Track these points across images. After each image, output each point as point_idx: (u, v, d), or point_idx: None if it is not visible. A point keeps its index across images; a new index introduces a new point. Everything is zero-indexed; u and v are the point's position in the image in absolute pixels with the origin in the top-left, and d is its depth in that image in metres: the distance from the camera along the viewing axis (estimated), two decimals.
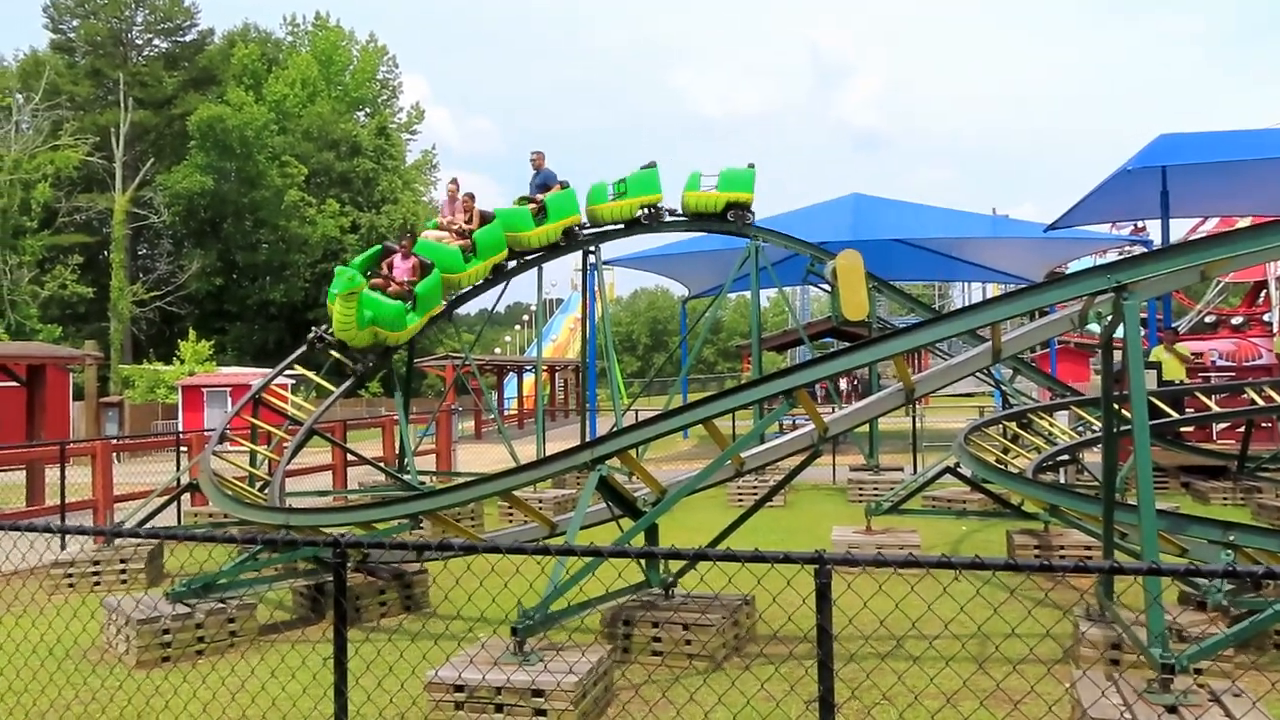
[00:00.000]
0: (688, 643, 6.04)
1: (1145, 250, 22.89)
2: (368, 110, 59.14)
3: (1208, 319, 34.92)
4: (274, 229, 50.14)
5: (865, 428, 14.30)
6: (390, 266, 12.24)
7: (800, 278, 18.00)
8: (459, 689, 4.95)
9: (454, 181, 13.90)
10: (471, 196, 13.37)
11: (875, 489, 12.98)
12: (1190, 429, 13.18)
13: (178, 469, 11.52)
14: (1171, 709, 4.34)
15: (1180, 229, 24.47)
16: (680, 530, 9.68)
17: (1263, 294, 34.68)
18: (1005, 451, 10.24)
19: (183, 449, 11.98)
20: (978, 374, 12.33)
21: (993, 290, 40.65)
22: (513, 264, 14.17)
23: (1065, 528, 8.15)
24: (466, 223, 13.22)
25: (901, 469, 14.21)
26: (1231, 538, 6.04)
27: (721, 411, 6.02)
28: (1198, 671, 5.06)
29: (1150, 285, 5.29)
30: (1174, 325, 23.81)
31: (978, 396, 33.81)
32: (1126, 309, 5.11)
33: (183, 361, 37.34)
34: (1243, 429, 12.49)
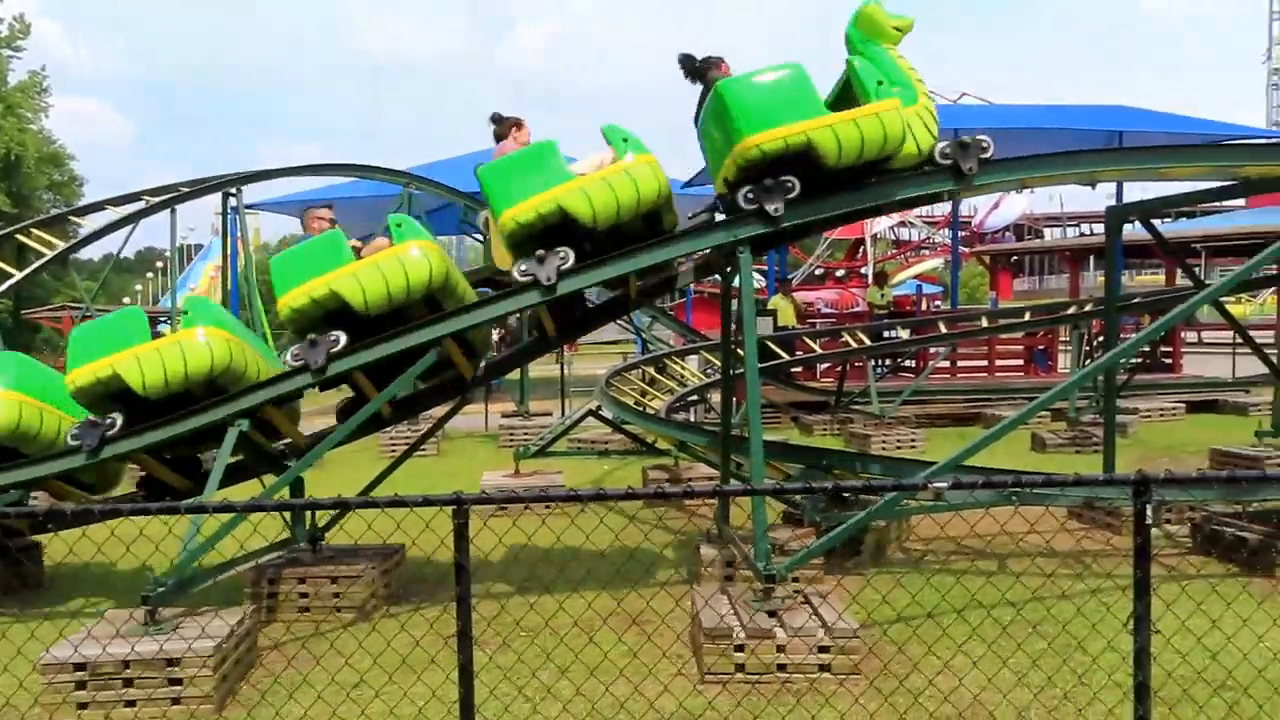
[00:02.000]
0: (336, 596, 5.99)
1: None
2: None
3: (817, 271, 39.53)
4: None
5: (516, 374, 14.67)
6: None
7: (455, 227, 17.93)
8: (80, 668, 4.55)
9: None
10: None
11: (526, 434, 13.40)
12: (799, 369, 14.95)
13: None
14: (772, 614, 5.02)
15: None
16: (330, 485, 9.43)
17: (861, 250, 39.90)
18: (643, 394, 11.02)
19: None
20: (619, 322, 13.12)
21: None
22: (139, 205, 12.80)
23: (694, 461, 8.98)
24: None
25: (551, 414, 14.77)
26: (825, 462, 7.04)
27: (371, 360, 5.92)
28: (797, 579, 5.87)
29: (763, 240, 5.92)
30: (790, 276, 26.66)
31: (623, 343, 35.75)
32: (742, 261, 5.68)
33: None
34: (840, 368, 14.40)
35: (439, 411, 7.49)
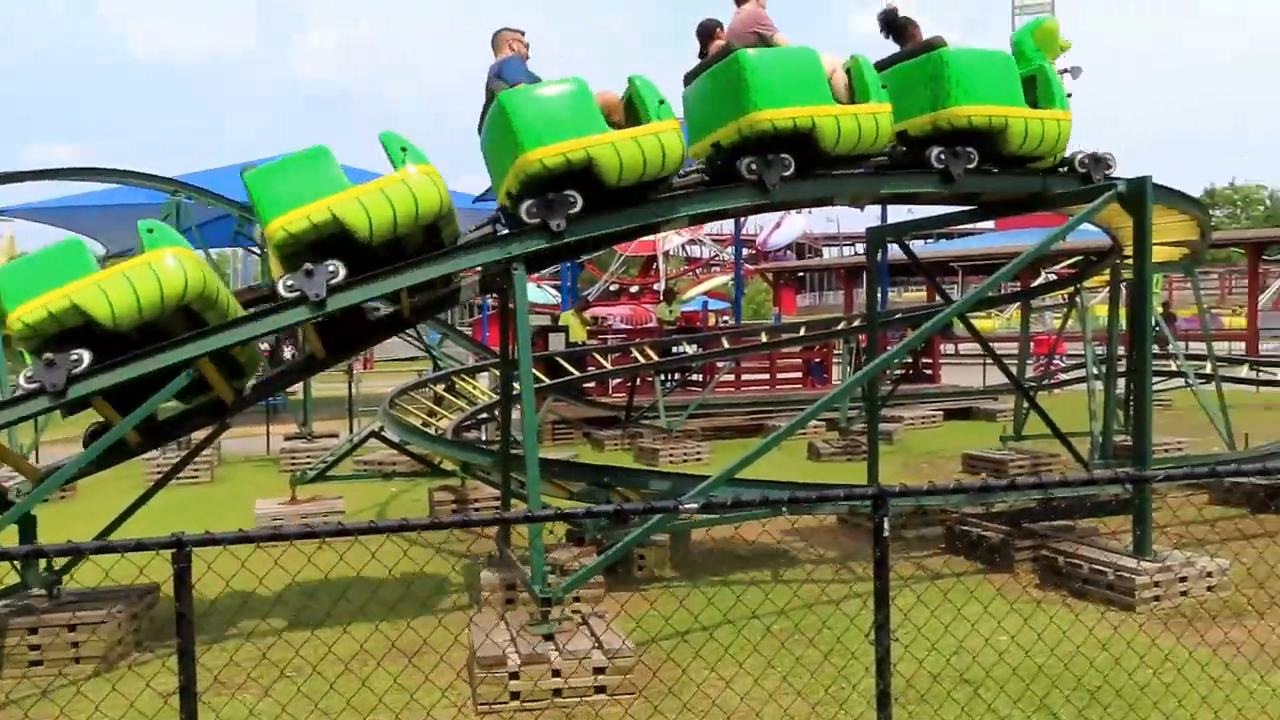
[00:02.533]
0: (75, 645, 5.42)
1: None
2: None
3: (612, 287, 40.08)
4: None
5: (300, 393, 13.96)
6: None
7: (231, 239, 16.87)
8: None
9: None
10: None
11: (309, 457, 12.75)
12: (591, 385, 15.05)
13: None
14: (549, 637, 4.96)
15: None
16: (80, 516, 8.61)
17: (654, 266, 40.81)
18: (431, 414, 10.74)
19: None
20: (403, 337, 12.74)
21: None
22: None
23: (481, 482, 8.80)
24: None
25: (337, 435, 14.15)
26: (606, 480, 7.06)
27: (114, 383, 5.39)
28: (577, 599, 5.85)
29: (538, 258, 5.89)
30: (586, 293, 26.91)
31: (419, 360, 34.87)
32: (516, 279, 5.60)
33: None
34: (630, 384, 14.61)
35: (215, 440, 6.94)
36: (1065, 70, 47.57)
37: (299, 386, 13.47)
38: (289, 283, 5.34)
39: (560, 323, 16.18)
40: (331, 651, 4.80)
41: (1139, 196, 6.23)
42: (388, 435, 9.24)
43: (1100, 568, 6.05)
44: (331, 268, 5.35)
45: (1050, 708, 4.24)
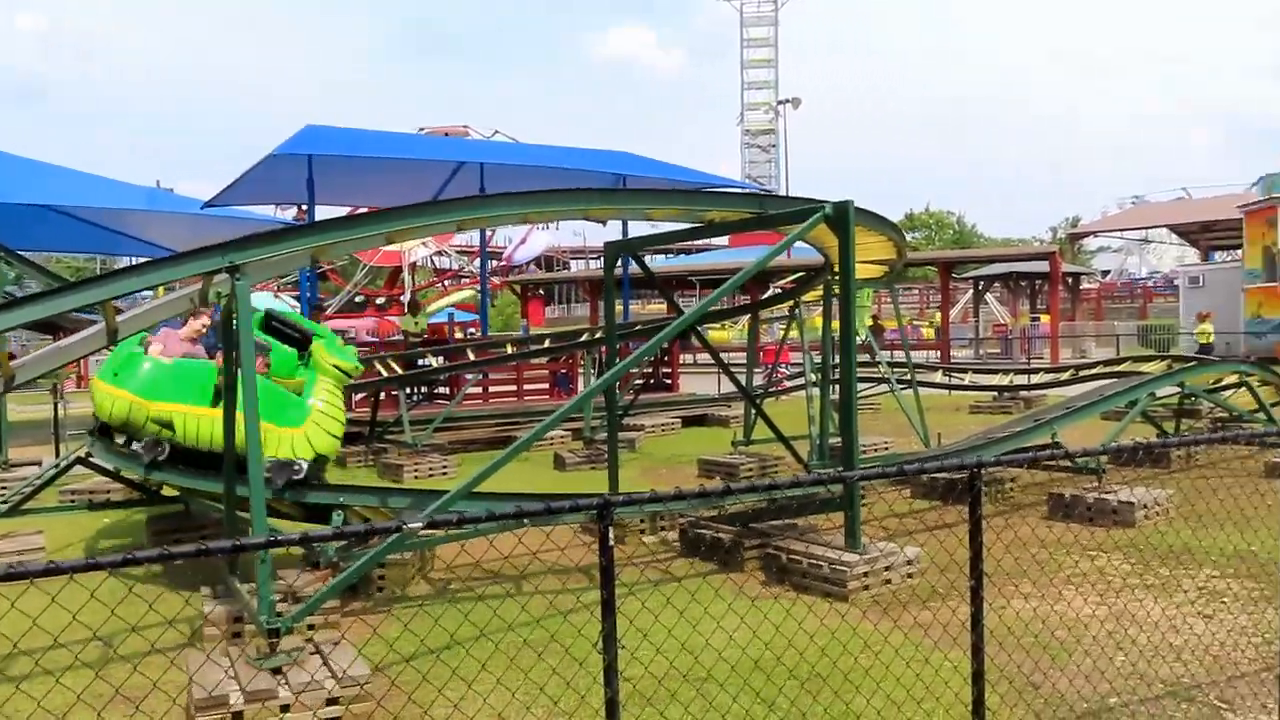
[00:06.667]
0: None
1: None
2: None
3: (358, 299, 38.67)
4: None
5: None
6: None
7: None
8: None
9: None
10: None
11: (2, 489, 11.36)
12: None
13: None
14: (277, 670, 4.73)
15: (335, 214, 26.43)
16: None
17: (400, 278, 39.79)
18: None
19: None
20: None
21: None
22: None
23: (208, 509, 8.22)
24: None
25: (39, 463, 12.69)
26: (341, 499, 6.81)
27: None
28: (311, 628, 5.59)
29: (263, 266, 5.59)
30: (325, 303, 25.78)
31: None
32: (239, 288, 5.31)
33: None
34: (373, 398, 14.20)
35: None
36: (786, 101, 51.35)
37: None
38: None
39: None
40: (45, 704, 4.31)
41: (843, 218, 6.85)
42: (98, 460, 8.41)
43: (816, 561, 6.57)
44: None
45: (767, 699, 4.55)
